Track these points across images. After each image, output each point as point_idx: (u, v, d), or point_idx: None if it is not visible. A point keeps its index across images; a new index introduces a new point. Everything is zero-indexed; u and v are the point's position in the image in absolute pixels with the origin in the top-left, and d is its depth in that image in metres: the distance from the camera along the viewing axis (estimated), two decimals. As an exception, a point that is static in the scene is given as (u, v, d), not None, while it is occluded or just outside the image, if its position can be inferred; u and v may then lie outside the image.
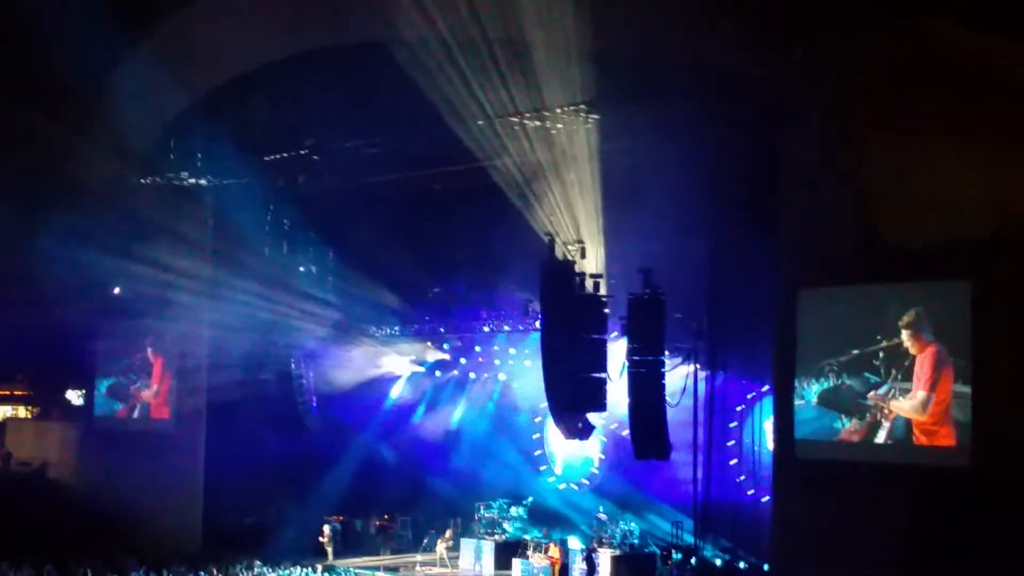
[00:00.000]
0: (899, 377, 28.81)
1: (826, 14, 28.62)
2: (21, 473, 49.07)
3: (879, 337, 29.22)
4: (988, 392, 27.56)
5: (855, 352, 29.66)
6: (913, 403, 28.63)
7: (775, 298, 31.83)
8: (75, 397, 53.38)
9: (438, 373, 46.63)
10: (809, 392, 30.51)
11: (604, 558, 35.92)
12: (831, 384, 30.05)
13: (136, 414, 45.94)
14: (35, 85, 35.49)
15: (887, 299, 29.28)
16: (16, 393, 59.52)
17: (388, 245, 40.55)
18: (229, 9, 34.13)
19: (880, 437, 29.29)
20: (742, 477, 36.82)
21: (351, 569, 38.26)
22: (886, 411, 29.12)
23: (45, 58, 33.45)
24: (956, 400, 27.95)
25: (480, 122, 33.43)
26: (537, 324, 35.81)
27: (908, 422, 28.76)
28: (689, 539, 36.52)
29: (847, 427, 29.85)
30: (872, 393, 29.36)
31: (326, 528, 40.80)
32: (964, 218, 27.36)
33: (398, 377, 46.54)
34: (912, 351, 28.64)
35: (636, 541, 36.95)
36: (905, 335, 28.70)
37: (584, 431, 34.25)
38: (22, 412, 59.35)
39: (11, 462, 50.29)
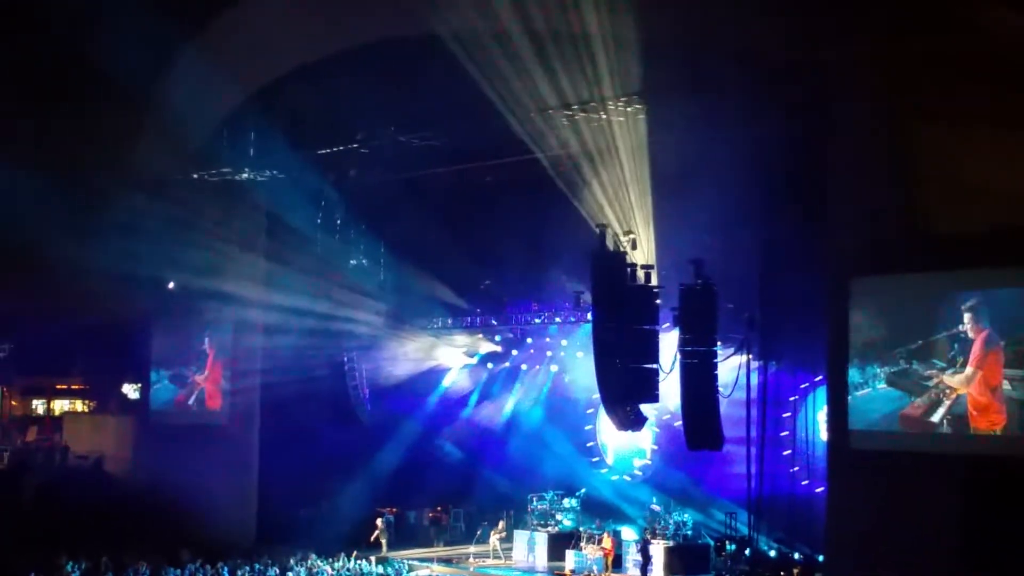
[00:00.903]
0: (962, 363, 28.68)
1: (875, 2, 28.46)
2: (78, 466, 49.58)
3: (942, 325, 29.11)
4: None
5: (920, 341, 29.52)
6: (961, 377, 28.62)
7: (827, 287, 31.65)
8: (131, 391, 53.92)
9: (490, 365, 46.72)
10: (873, 379, 30.28)
11: (658, 549, 35.84)
12: (899, 368, 29.84)
13: (192, 401, 46.24)
14: (90, 81, 35.79)
15: (942, 287, 29.15)
16: (73, 387, 60.30)
17: (439, 238, 40.66)
18: (280, 4, 34.30)
19: (939, 414, 29.10)
20: (796, 468, 36.61)
21: (404, 561, 38.39)
22: (945, 389, 28.95)
23: (101, 54, 33.69)
24: (1005, 382, 27.88)
25: (530, 114, 33.44)
26: (589, 316, 35.83)
27: (964, 399, 28.64)
28: (743, 530, 36.45)
29: (912, 402, 29.64)
30: (932, 371, 29.19)
31: (379, 520, 40.90)
32: (1016, 204, 27.15)
33: (450, 369, 46.67)
34: (971, 335, 28.51)
35: (690, 532, 36.82)
36: (967, 318, 28.55)
37: (636, 422, 34.24)
38: (79, 406, 60.09)
39: (68, 455, 50.86)
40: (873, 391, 30.21)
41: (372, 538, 40.44)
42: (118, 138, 38.72)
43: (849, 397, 30.68)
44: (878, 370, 30.09)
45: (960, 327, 28.70)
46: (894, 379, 29.97)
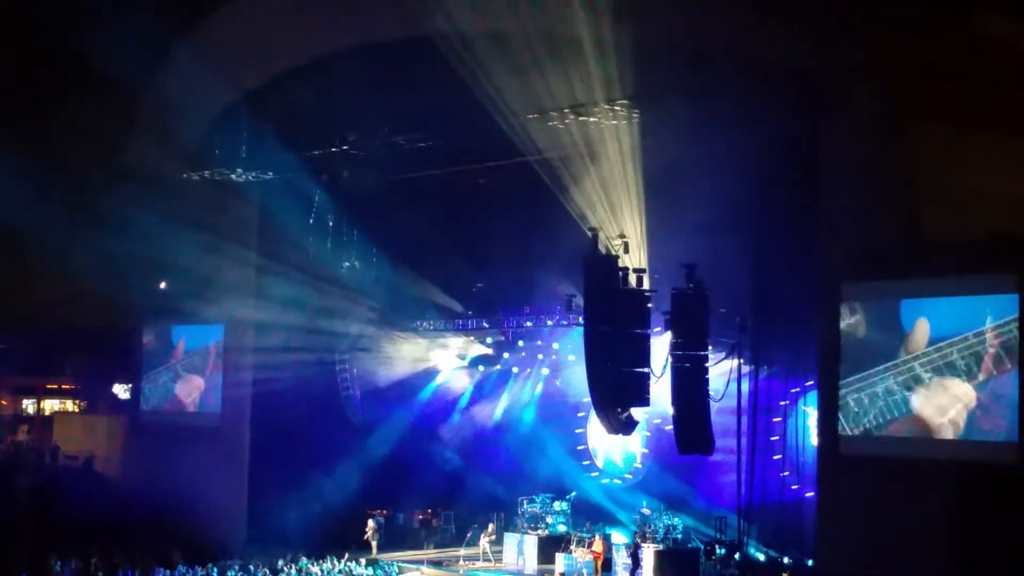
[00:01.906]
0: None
1: (870, 7, 28.48)
2: (68, 466, 49.46)
3: (943, 331, 29.29)
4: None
5: (918, 348, 29.69)
6: (970, 385, 28.73)
7: (820, 292, 31.64)
8: (122, 391, 53.82)
9: (481, 368, 46.67)
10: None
11: (647, 553, 35.79)
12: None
13: (183, 402, 46.13)
14: (83, 80, 35.75)
15: (936, 292, 29.22)
16: (64, 387, 60.14)
17: (432, 240, 40.67)
18: (274, 5, 34.30)
19: (949, 415, 29.20)
20: (786, 473, 36.58)
21: (394, 563, 38.37)
22: (953, 393, 29.04)
23: (95, 53, 33.66)
24: (1013, 389, 28.02)
25: (523, 117, 33.41)
26: (580, 319, 35.78)
27: (973, 405, 28.79)
28: (733, 534, 36.42)
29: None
30: (941, 377, 29.27)
31: (370, 522, 40.85)
32: (1009, 211, 27.18)
33: (441, 371, 46.64)
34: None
35: (679, 536, 36.72)
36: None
37: (627, 426, 34.22)
38: (70, 406, 59.96)
39: (59, 455, 50.74)
40: (899, 394, 30.16)
41: (364, 538, 40.40)
42: (110, 137, 38.69)
43: (869, 400, 30.65)
44: (893, 376, 30.04)
45: (969, 333, 28.69)
46: (906, 384, 29.98)
